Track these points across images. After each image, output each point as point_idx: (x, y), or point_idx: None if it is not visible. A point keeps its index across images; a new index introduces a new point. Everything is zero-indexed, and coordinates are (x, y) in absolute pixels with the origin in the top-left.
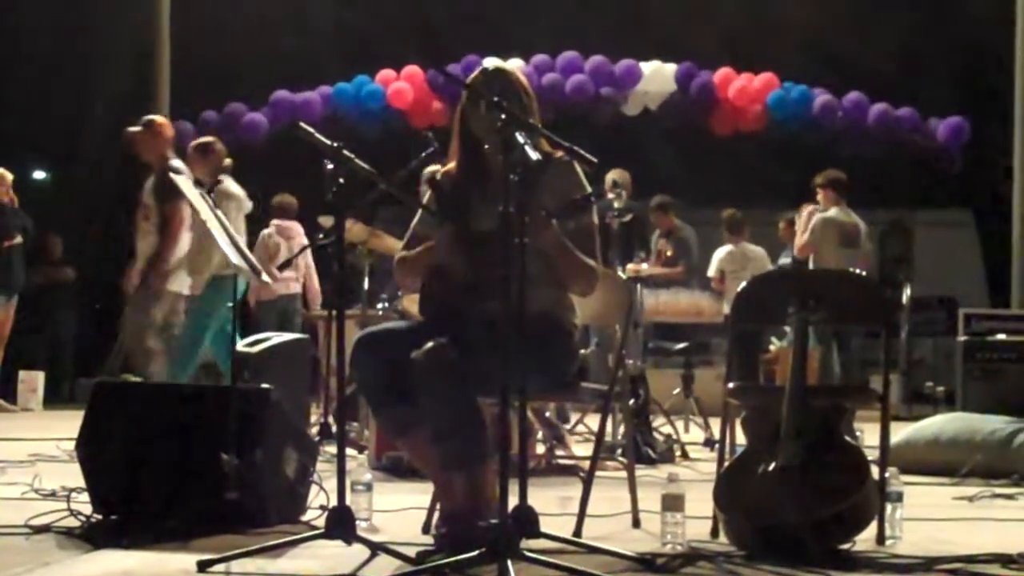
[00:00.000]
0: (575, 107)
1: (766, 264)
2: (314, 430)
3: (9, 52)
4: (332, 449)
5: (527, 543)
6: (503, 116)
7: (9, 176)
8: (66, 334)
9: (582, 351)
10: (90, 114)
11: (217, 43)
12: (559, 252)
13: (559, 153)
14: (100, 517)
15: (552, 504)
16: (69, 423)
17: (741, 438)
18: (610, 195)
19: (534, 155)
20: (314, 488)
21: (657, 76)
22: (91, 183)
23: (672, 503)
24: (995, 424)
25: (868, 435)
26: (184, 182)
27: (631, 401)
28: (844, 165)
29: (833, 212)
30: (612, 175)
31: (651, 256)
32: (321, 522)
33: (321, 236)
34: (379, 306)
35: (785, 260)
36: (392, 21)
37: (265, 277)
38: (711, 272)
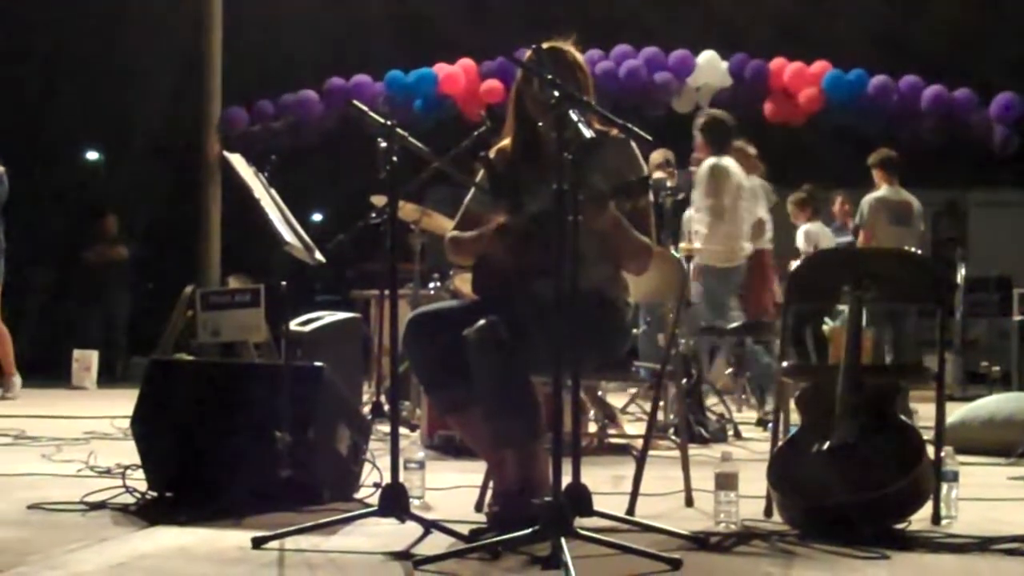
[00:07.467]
0: (628, 97)
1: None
2: (367, 409)
3: (64, 37)
4: (384, 428)
5: (580, 521)
6: (556, 93)
7: None
8: (120, 313)
9: (633, 330)
10: (143, 96)
11: (272, 32)
12: (616, 231)
13: (614, 131)
14: (155, 494)
15: (605, 483)
16: (123, 401)
17: (795, 417)
18: (661, 174)
19: (588, 133)
20: (367, 466)
21: (710, 68)
22: (145, 164)
23: (725, 482)
24: None
25: (923, 415)
26: (238, 161)
27: (683, 380)
28: (898, 144)
29: (883, 191)
30: (658, 155)
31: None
32: (374, 500)
33: (373, 215)
34: (431, 285)
35: (842, 239)
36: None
37: (319, 255)
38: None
